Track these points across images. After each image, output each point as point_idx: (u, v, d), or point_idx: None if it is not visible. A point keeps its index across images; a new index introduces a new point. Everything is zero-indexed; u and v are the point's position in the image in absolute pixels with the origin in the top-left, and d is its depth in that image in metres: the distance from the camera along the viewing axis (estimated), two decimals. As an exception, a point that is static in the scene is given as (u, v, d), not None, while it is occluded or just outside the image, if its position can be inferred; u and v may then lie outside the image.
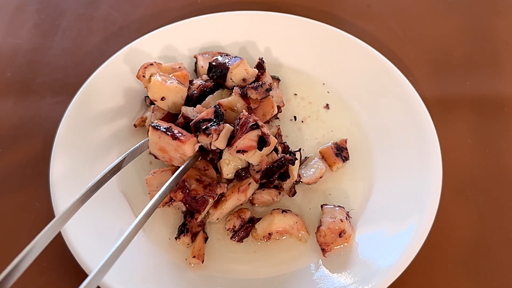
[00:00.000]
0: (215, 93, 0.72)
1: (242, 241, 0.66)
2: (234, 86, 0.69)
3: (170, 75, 0.71)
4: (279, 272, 0.63)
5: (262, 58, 0.73)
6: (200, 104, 0.70)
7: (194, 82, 0.73)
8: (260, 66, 0.73)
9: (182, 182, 0.63)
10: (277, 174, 0.63)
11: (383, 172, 0.70)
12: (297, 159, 0.65)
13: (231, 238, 0.66)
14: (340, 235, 0.62)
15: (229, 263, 0.64)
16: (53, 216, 0.64)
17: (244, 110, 0.66)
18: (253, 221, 0.66)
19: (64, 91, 0.85)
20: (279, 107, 0.74)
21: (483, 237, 0.68)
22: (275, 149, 0.64)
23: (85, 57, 0.92)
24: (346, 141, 0.74)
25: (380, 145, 0.74)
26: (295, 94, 0.82)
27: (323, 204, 0.67)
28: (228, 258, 0.64)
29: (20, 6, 1.01)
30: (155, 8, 1.00)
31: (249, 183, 0.66)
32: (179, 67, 0.75)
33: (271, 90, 0.67)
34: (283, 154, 0.64)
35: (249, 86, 0.66)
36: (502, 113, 0.82)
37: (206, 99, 0.71)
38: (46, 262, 0.65)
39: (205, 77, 0.74)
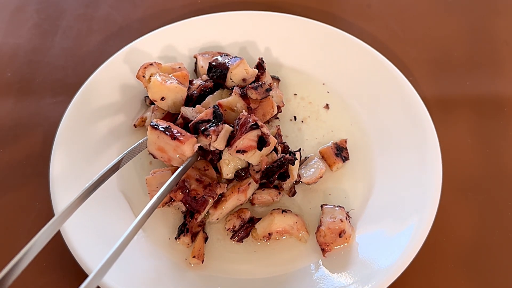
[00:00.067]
0: (215, 93, 0.72)
1: (242, 241, 0.66)
2: (234, 86, 0.69)
3: (170, 75, 0.71)
4: (279, 272, 0.63)
5: (262, 58, 0.73)
6: (200, 104, 0.70)
7: (194, 82, 0.73)
8: (260, 66, 0.73)
9: (182, 182, 0.63)
10: (277, 174, 0.63)
11: (383, 172, 0.70)
12: (297, 159, 0.65)
13: (231, 238, 0.66)
14: (340, 235, 0.62)
15: (229, 263, 0.64)
16: (53, 216, 0.64)
17: (244, 110, 0.66)
18: (253, 221, 0.66)
19: (64, 91, 0.85)
20: (279, 107, 0.74)
21: (483, 237, 0.68)
22: (275, 149, 0.64)
23: (85, 57, 0.92)
24: (346, 141, 0.74)
25: (380, 145, 0.74)
26: (295, 94, 0.82)
27: (323, 204, 0.67)
28: (228, 258, 0.64)
29: (20, 6, 1.01)
30: (155, 8, 1.00)
31: (249, 183, 0.66)
32: (179, 67, 0.75)
33: (271, 90, 0.67)
34: (283, 154, 0.64)
35: (249, 86, 0.66)
36: (502, 113, 0.82)
37: (206, 99, 0.71)
38: (46, 262, 0.65)
39: (205, 77, 0.74)
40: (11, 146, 0.79)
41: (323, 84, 0.83)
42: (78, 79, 0.84)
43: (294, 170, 0.66)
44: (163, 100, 0.69)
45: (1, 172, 0.75)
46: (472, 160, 0.76)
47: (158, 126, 0.62)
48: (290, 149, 0.68)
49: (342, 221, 0.63)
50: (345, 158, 0.73)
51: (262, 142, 0.61)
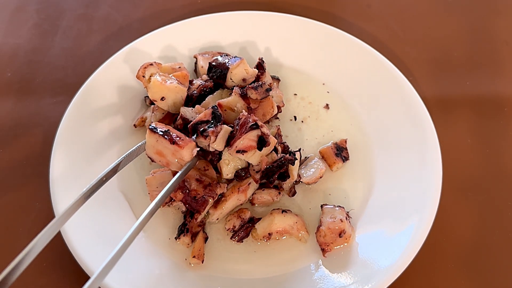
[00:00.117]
0: (215, 93, 0.72)
1: (242, 241, 0.66)
2: (234, 86, 0.69)
3: (170, 75, 0.71)
4: (279, 272, 0.63)
5: (262, 58, 0.73)
6: (200, 104, 0.70)
7: (194, 82, 0.73)
8: (260, 66, 0.73)
9: (182, 182, 0.63)
10: (277, 174, 0.63)
11: (383, 172, 0.70)
12: (297, 159, 0.65)
13: (231, 238, 0.66)
14: (340, 235, 0.62)
15: (229, 263, 0.64)
16: (53, 216, 0.64)
17: (244, 110, 0.66)
18: (253, 221, 0.66)
19: (64, 91, 0.85)
20: (279, 107, 0.74)
21: (483, 237, 0.68)
22: (275, 149, 0.64)
23: (85, 57, 0.92)
24: (346, 141, 0.74)
25: (380, 145, 0.74)
26: (295, 94, 0.82)
27: (323, 204, 0.67)
28: (228, 258, 0.64)
29: (20, 6, 1.01)
30: (155, 8, 1.00)
31: (249, 183, 0.66)
32: (179, 67, 0.75)
33: (271, 90, 0.67)
34: (283, 154, 0.64)
35: (249, 86, 0.66)
36: (502, 113, 0.82)
37: (206, 99, 0.71)
38: (46, 262, 0.65)
39: (205, 77, 0.74)
40: (11, 146, 0.79)
41: (323, 84, 0.83)
42: (78, 79, 0.84)
43: (294, 170, 0.66)
44: (163, 100, 0.69)
45: (1, 172, 0.75)
46: (472, 160, 0.76)
47: (157, 130, 0.60)
48: (290, 149, 0.68)
49: (342, 221, 0.63)
50: (345, 158, 0.73)
51: (262, 142, 0.61)
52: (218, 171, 0.66)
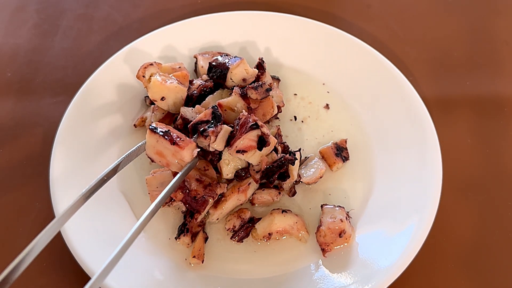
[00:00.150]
0: (215, 93, 0.72)
1: (242, 241, 0.66)
2: (234, 86, 0.69)
3: (170, 75, 0.71)
4: (279, 272, 0.63)
5: (262, 58, 0.73)
6: (200, 104, 0.70)
7: (194, 82, 0.73)
8: (260, 66, 0.73)
9: (182, 182, 0.63)
10: (277, 174, 0.63)
11: (383, 172, 0.70)
12: (297, 159, 0.65)
13: (231, 238, 0.66)
14: (340, 235, 0.62)
15: (229, 263, 0.64)
16: (53, 216, 0.64)
17: (244, 110, 0.66)
18: (253, 221, 0.66)
19: (64, 91, 0.85)
20: (279, 107, 0.74)
21: (483, 237, 0.68)
22: (275, 149, 0.64)
23: (85, 57, 0.92)
24: (346, 141, 0.74)
25: (380, 145, 0.74)
26: (295, 94, 0.82)
27: (323, 204, 0.67)
28: (228, 258, 0.64)
29: (20, 6, 1.01)
30: (155, 8, 1.00)
31: (249, 183, 0.66)
32: (179, 67, 0.75)
33: (271, 90, 0.67)
34: (283, 154, 0.64)
35: (249, 86, 0.66)
36: (502, 113, 0.82)
37: (206, 99, 0.71)
38: (46, 262, 0.65)
39: (205, 77, 0.74)
40: (11, 146, 0.79)
41: (323, 84, 0.83)
42: (78, 79, 0.84)
43: (294, 170, 0.66)
44: (163, 100, 0.69)
45: (1, 172, 0.75)
46: (472, 160, 0.76)
47: (157, 130, 0.60)
48: (290, 149, 0.68)
49: (342, 221, 0.63)
50: (345, 158, 0.73)
51: (262, 142, 0.61)
52: (218, 171, 0.66)
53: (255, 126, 0.60)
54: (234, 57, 0.72)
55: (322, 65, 0.83)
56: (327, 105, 0.80)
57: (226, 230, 0.66)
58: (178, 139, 0.59)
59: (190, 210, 0.64)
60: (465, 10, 0.99)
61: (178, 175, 0.59)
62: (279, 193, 0.69)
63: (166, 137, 0.59)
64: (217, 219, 0.66)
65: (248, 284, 0.62)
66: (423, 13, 0.99)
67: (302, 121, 0.79)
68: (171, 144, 0.59)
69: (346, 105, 0.80)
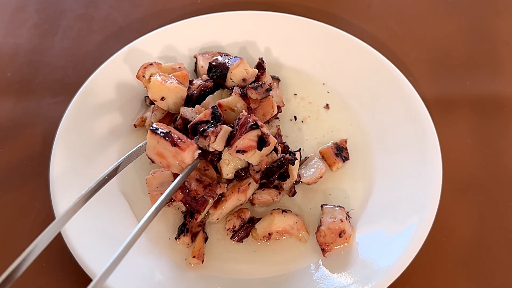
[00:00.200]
0: (215, 93, 0.72)
1: (242, 241, 0.66)
2: (234, 86, 0.69)
3: (170, 75, 0.71)
4: (279, 272, 0.63)
5: (262, 58, 0.73)
6: (200, 104, 0.70)
7: (194, 82, 0.73)
8: (260, 66, 0.73)
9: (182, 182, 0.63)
10: (277, 174, 0.63)
11: (383, 172, 0.70)
12: (297, 159, 0.65)
13: (231, 238, 0.66)
14: (340, 235, 0.62)
15: (229, 263, 0.64)
16: (53, 216, 0.64)
17: (244, 110, 0.66)
18: (253, 221, 0.66)
19: (64, 91, 0.85)
20: (279, 107, 0.74)
21: (483, 237, 0.68)
22: (275, 149, 0.64)
23: (85, 57, 0.92)
24: (346, 141, 0.74)
25: (380, 145, 0.74)
26: (295, 94, 0.82)
27: (323, 204, 0.67)
28: (228, 258, 0.64)
29: (20, 6, 1.01)
30: (155, 8, 1.00)
31: (249, 183, 0.66)
32: (179, 67, 0.75)
33: (271, 90, 0.67)
34: (283, 154, 0.64)
35: (249, 86, 0.66)
36: (502, 113, 0.82)
37: (206, 99, 0.71)
38: (46, 262, 0.65)
39: (205, 77, 0.74)
40: (11, 146, 0.79)
41: (323, 84, 0.83)
42: (78, 79, 0.84)
43: (294, 170, 0.66)
44: (163, 100, 0.69)
45: (1, 172, 0.75)
46: (472, 160, 0.76)
47: (158, 131, 0.59)
48: (290, 149, 0.68)
49: (342, 221, 0.63)
50: (345, 158, 0.73)
51: (262, 142, 0.61)
52: (218, 171, 0.66)
53: (255, 126, 0.60)
54: (234, 57, 0.72)
55: (322, 65, 0.83)
56: (327, 105, 0.80)
57: (226, 230, 0.66)
58: (179, 140, 0.59)
59: (190, 210, 0.64)
60: (465, 10, 0.99)
61: (179, 177, 0.59)
62: (279, 193, 0.69)
63: (167, 138, 0.58)
64: (217, 219, 0.66)
65: (248, 284, 0.62)
66: (423, 13, 0.99)
67: (302, 121, 0.79)
68: (172, 145, 0.58)
69: (346, 105, 0.80)
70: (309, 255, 0.64)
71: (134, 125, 0.77)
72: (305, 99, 0.81)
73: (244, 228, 0.66)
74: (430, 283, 0.64)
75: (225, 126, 0.62)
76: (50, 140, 0.72)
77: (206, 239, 0.65)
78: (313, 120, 0.79)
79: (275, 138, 0.64)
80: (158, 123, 0.61)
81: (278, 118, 0.78)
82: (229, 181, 0.67)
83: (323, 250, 0.63)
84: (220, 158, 0.64)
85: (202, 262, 0.63)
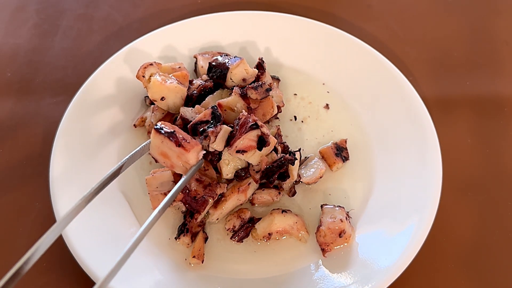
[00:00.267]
0: (215, 93, 0.72)
1: (242, 241, 0.66)
2: (234, 86, 0.69)
3: (170, 75, 0.71)
4: (279, 272, 0.63)
5: (262, 58, 0.73)
6: (200, 104, 0.70)
7: (194, 82, 0.73)
8: (260, 66, 0.73)
9: (179, 178, 0.63)
10: (277, 174, 0.63)
11: (383, 172, 0.70)
12: (296, 159, 0.65)
13: (231, 238, 0.66)
14: (340, 235, 0.62)
15: (229, 263, 0.64)
16: (53, 216, 0.64)
17: (244, 110, 0.66)
18: (253, 221, 0.66)
19: (64, 91, 0.85)
20: (279, 107, 0.74)
21: (483, 237, 0.68)
22: (275, 149, 0.64)
23: (85, 57, 0.92)
24: (346, 141, 0.74)
25: (380, 145, 0.74)
26: (295, 94, 0.82)
27: (323, 204, 0.67)
28: (228, 258, 0.64)
29: (20, 6, 1.01)
30: (155, 8, 1.00)
31: (249, 183, 0.66)
32: (179, 67, 0.75)
33: (271, 90, 0.67)
34: (283, 154, 0.64)
35: (249, 86, 0.66)
36: (502, 113, 0.82)
37: (206, 99, 0.71)
38: (46, 262, 0.65)
39: (205, 77, 0.74)
40: (11, 146, 0.79)
41: (323, 84, 0.83)
42: (78, 79, 0.84)
43: (294, 170, 0.66)
44: (163, 100, 0.69)
45: (1, 172, 0.75)
46: (472, 160, 0.76)
47: (163, 130, 0.58)
48: (290, 149, 0.68)
49: (342, 221, 0.63)
50: (345, 158, 0.73)
51: (262, 142, 0.61)
52: (218, 171, 0.66)
53: (255, 126, 0.60)
54: (234, 57, 0.72)
55: (322, 65, 0.83)
56: (327, 105, 0.80)
57: (226, 230, 0.66)
58: (184, 141, 0.58)
59: (190, 210, 0.64)
60: (465, 10, 0.99)
61: (183, 179, 0.58)
62: (279, 193, 0.69)
63: (171, 138, 0.57)
64: (217, 219, 0.66)
65: (248, 284, 0.62)
66: (423, 13, 0.99)
67: (302, 121, 0.79)
68: (176, 146, 0.57)
69: (346, 105, 0.80)
70: (309, 255, 0.64)
71: (134, 125, 0.77)
72: (305, 99, 0.81)
73: (244, 228, 0.66)
74: (430, 283, 0.64)
75: (225, 126, 0.62)
76: (50, 140, 0.72)
77: (206, 239, 0.65)
78: (313, 120, 0.79)
79: (275, 138, 0.64)
80: (163, 122, 0.60)
81: (278, 118, 0.78)
82: (229, 181, 0.67)
83: (323, 250, 0.63)
84: (220, 158, 0.64)
85: (202, 262, 0.63)
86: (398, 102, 0.75)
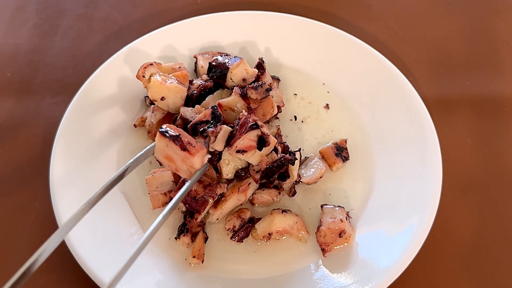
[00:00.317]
0: (215, 93, 0.72)
1: (242, 241, 0.66)
2: (234, 86, 0.69)
3: (170, 75, 0.71)
4: (279, 272, 0.63)
5: (262, 58, 0.73)
6: (200, 104, 0.70)
7: (194, 82, 0.73)
8: (260, 66, 0.73)
9: (182, 182, 0.63)
10: (277, 174, 0.63)
11: (383, 172, 0.70)
12: (297, 159, 0.65)
13: (231, 238, 0.66)
14: (340, 235, 0.62)
15: (229, 263, 0.64)
16: (53, 217, 0.64)
17: (244, 110, 0.66)
18: (253, 221, 0.66)
19: (64, 91, 0.85)
20: (279, 107, 0.74)
21: (483, 237, 0.68)
22: (275, 149, 0.64)
23: (85, 57, 0.92)
24: (346, 141, 0.74)
25: (380, 145, 0.74)
26: (295, 94, 0.82)
27: (323, 204, 0.67)
28: (228, 258, 0.64)
29: (20, 6, 1.01)
30: (155, 8, 1.00)
31: (249, 183, 0.66)
32: (179, 67, 0.75)
33: (271, 90, 0.67)
34: (283, 154, 0.64)
35: (249, 86, 0.66)
36: (502, 113, 0.82)
37: (206, 99, 0.71)
38: (46, 262, 0.64)
39: (205, 77, 0.74)
40: (11, 146, 0.79)
41: (323, 84, 0.83)
42: (78, 79, 0.84)
43: (294, 170, 0.66)
44: (163, 100, 0.69)
45: (1, 172, 0.75)
46: (472, 160, 0.76)
47: (168, 134, 0.57)
48: (290, 149, 0.68)
49: (342, 221, 0.63)
50: (345, 158, 0.73)
51: (262, 142, 0.61)
52: (218, 171, 0.66)
53: (255, 126, 0.60)
54: (234, 57, 0.72)
55: (322, 65, 0.83)
56: (327, 105, 0.80)
57: (226, 230, 0.66)
58: (189, 145, 0.56)
59: (190, 210, 0.64)
60: (465, 10, 0.99)
61: (188, 183, 0.57)
62: (279, 193, 0.69)
63: (176, 142, 0.56)
64: (217, 219, 0.66)
65: (248, 284, 0.62)
66: (423, 13, 0.99)
67: (302, 121, 0.79)
68: (181, 150, 0.56)
69: (346, 105, 0.80)
70: (309, 255, 0.64)
71: (134, 125, 0.77)
72: (305, 99, 0.81)
73: (244, 228, 0.66)
74: (430, 283, 0.64)
75: (225, 126, 0.62)
76: (50, 140, 0.72)
77: (206, 239, 0.65)
78: (313, 120, 0.79)
79: (275, 138, 0.64)
80: (168, 125, 0.59)
81: (278, 118, 0.78)
82: (229, 181, 0.67)
83: (323, 250, 0.63)
84: (220, 158, 0.64)
85: (202, 262, 0.63)
86: (398, 102, 0.75)
